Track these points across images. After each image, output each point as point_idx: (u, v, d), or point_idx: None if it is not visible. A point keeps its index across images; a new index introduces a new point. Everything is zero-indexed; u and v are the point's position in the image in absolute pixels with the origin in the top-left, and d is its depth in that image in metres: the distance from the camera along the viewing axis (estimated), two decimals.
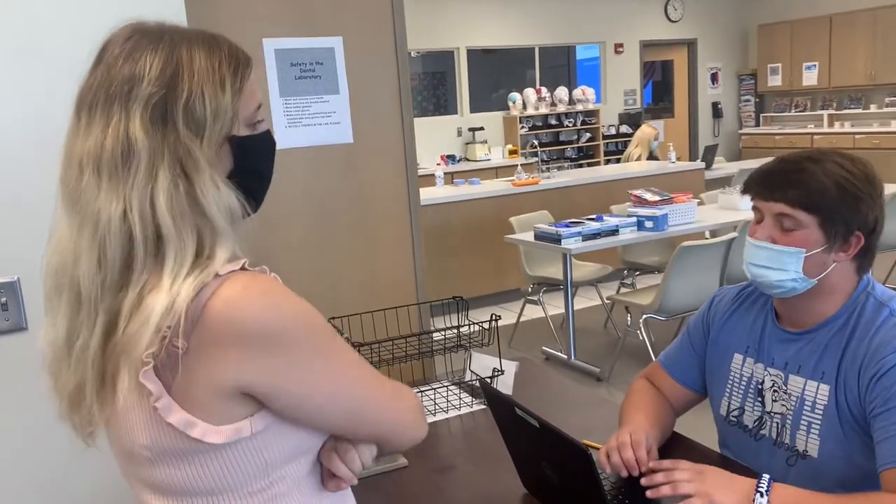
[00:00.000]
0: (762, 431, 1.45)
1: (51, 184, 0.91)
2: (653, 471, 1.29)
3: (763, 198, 1.36)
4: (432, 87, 9.77)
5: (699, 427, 1.66)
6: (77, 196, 0.85)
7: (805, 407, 1.36)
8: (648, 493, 1.26)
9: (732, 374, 1.52)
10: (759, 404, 1.46)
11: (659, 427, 1.52)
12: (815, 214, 1.31)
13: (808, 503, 1.21)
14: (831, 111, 10.40)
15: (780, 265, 1.33)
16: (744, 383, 1.50)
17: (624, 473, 1.38)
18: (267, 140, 0.98)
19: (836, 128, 10.16)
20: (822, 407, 1.34)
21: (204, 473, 0.89)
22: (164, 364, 0.83)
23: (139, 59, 0.86)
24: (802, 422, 1.37)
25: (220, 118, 0.88)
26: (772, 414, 1.43)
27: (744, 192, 1.42)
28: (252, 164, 0.95)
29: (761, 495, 1.19)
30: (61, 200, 0.88)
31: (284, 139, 2.20)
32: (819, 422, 1.34)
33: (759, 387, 1.46)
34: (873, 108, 9.93)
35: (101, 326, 0.84)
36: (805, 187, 1.31)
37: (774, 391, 1.42)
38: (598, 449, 1.50)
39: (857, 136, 9.65)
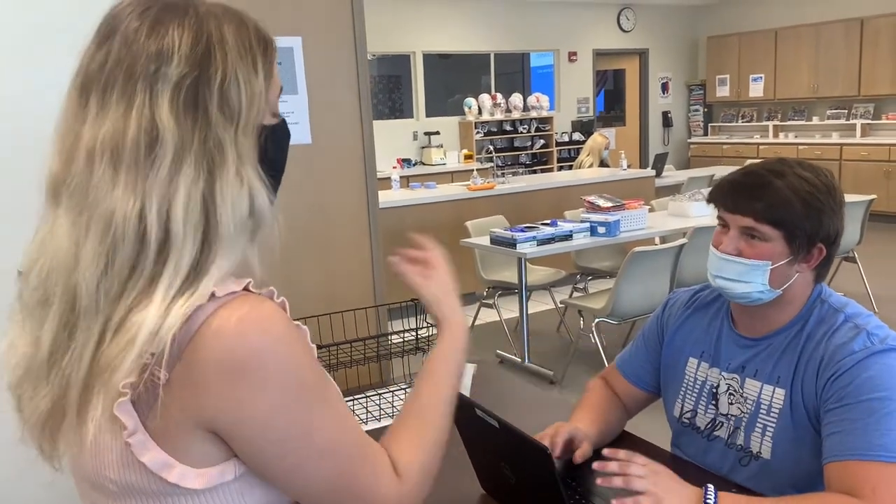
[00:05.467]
0: (715, 433, 1.48)
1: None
2: (607, 458, 1.26)
3: (730, 210, 1.39)
4: (388, 90, 9.76)
5: (654, 429, 1.69)
6: (84, 190, 0.73)
7: (761, 410, 1.40)
8: (599, 481, 1.26)
9: (687, 377, 1.55)
10: (713, 407, 1.49)
11: (601, 424, 1.55)
12: (781, 228, 1.34)
13: None
14: (776, 122, 10.71)
15: (748, 278, 1.36)
16: (697, 387, 1.53)
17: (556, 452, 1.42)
18: (286, 129, 0.89)
19: (781, 138, 10.46)
20: (777, 410, 1.37)
21: None
22: (142, 395, 0.72)
23: (165, 34, 0.74)
24: (758, 424, 1.40)
25: (255, 104, 0.78)
26: (728, 416, 1.46)
27: (709, 201, 1.44)
28: (275, 155, 0.85)
29: None
30: (55, 195, 0.75)
31: None
32: (774, 424, 1.37)
33: (714, 390, 1.49)
34: (816, 120, 10.26)
35: (94, 341, 0.72)
36: (771, 202, 1.33)
37: (731, 394, 1.46)
38: None
39: (800, 147, 9.95)
